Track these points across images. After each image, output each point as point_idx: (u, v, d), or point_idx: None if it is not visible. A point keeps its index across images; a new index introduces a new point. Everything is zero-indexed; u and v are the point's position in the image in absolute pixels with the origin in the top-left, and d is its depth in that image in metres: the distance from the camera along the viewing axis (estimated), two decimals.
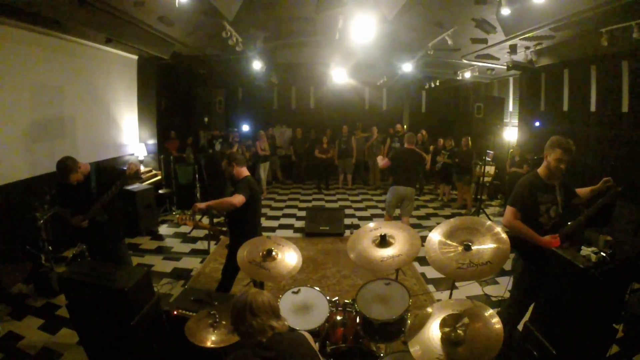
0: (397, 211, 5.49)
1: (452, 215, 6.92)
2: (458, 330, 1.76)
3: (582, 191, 2.84)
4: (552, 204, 2.64)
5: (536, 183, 2.66)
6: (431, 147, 8.99)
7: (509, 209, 2.69)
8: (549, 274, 2.52)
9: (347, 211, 7.27)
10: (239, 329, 1.55)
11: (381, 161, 5.25)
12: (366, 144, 9.75)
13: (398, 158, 5.19)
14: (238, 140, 8.52)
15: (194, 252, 5.36)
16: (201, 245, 5.56)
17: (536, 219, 2.64)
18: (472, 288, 4.14)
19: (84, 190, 3.33)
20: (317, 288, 2.68)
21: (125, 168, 3.31)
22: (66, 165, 3.18)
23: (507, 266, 2.86)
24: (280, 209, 7.79)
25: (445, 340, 1.77)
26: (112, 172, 3.44)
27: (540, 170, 2.71)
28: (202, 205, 2.98)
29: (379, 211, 7.58)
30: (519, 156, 7.02)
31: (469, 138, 7.61)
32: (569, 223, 2.70)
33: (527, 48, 5.97)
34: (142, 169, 7.20)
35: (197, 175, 7.05)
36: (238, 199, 3.02)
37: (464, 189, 7.65)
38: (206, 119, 7.49)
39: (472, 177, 7.61)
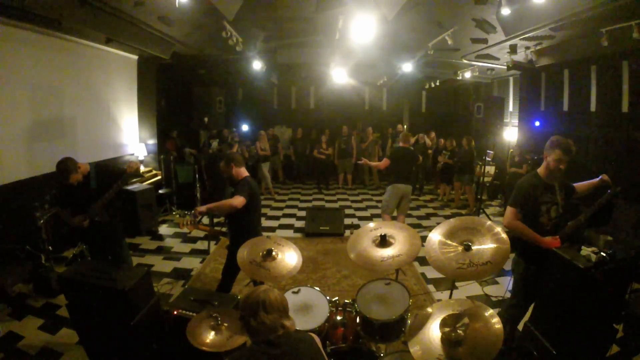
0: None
1: (452, 215, 6.92)
2: (458, 330, 1.76)
3: (580, 186, 2.84)
4: (552, 204, 2.64)
5: (536, 183, 2.65)
6: (430, 145, 9.00)
7: (509, 210, 2.69)
8: (549, 274, 2.52)
9: (347, 211, 7.27)
10: (248, 325, 1.53)
11: (375, 163, 5.43)
12: (362, 145, 9.73)
13: (397, 156, 5.33)
14: (238, 140, 8.52)
15: (194, 252, 5.36)
16: (201, 245, 5.56)
17: (536, 219, 2.63)
18: (472, 288, 4.14)
19: (83, 190, 3.34)
20: (317, 288, 2.68)
21: (125, 168, 3.32)
22: (66, 166, 3.19)
23: (507, 266, 2.85)
24: (280, 209, 7.79)
25: (445, 340, 1.77)
26: (113, 171, 3.45)
27: (540, 170, 2.71)
28: (202, 208, 2.98)
29: (379, 211, 7.53)
30: (519, 156, 7.02)
31: (471, 138, 7.59)
32: (568, 223, 2.70)
33: (527, 48, 5.97)
34: (142, 168, 7.20)
35: (197, 175, 7.05)
36: (238, 201, 3.01)
37: (464, 188, 7.64)
38: (206, 119, 7.48)
39: (473, 176, 7.59)
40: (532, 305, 2.75)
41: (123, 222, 3.79)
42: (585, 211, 2.70)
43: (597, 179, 2.77)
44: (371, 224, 2.87)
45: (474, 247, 2.27)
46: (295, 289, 2.64)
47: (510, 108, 8.86)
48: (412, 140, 8.84)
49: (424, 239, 2.51)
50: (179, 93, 8.85)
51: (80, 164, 3.32)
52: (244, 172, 3.32)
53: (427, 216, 7.30)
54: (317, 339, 1.65)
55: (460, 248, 2.29)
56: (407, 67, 7.17)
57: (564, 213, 2.69)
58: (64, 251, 4.88)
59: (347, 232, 5.94)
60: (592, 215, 2.69)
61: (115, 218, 3.52)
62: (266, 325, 1.50)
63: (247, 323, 1.53)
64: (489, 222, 2.44)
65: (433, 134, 9.32)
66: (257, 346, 1.49)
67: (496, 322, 1.79)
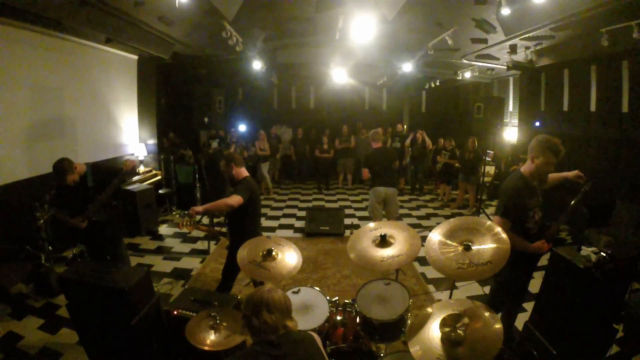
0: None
1: (452, 215, 6.92)
2: (458, 330, 1.76)
3: (553, 176, 2.73)
4: (536, 206, 2.56)
5: (522, 188, 2.53)
6: (432, 147, 8.99)
7: (500, 221, 2.50)
8: (550, 274, 2.52)
9: (347, 211, 7.27)
10: (251, 324, 1.53)
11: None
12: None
13: (371, 160, 5.10)
14: (236, 140, 8.52)
15: (194, 252, 5.36)
16: (201, 245, 5.56)
17: (524, 224, 2.54)
18: (472, 288, 4.13)
19: (80, 190, 3.35)
20: (317, 288, 2.68)
21: (121, 167, 3.33)
22: (62, 166, 3.20)
23: None
24: (280, 209, 7.79)
25: (445, 340, 1.77)
26: (110, 171, 3.46)
27: (526, 171, 2.57)
28: (199, 208, 2.98)
29: None
30: (512, 156, 6.97)
31: (475, 139, 7.51)
32: (549, 224, 2.63)
33: (527, 48, 5.97)
34: (142, 168, 7.21)
35: (197, 175, 7.06)
36: (234, 200, 3.02)
37: (468, 188, 7.58)
38: (206, 119, 7.49)
39: (478, 177, 7.51)
40: (531, 306, 2.74)
41: (122, 221, 3.80)
42: (570, 206, 2.63)
43: (572, 173, 2.69)
44: (371, 224, 2.87)
45: (474, 247, 2.26)
46: (295, 289, 2.64)
47: (510, 108, 8.86)
48: (408, 141, 8.84)
49: (424, 239, 2.51)
50: (179, 93, 8.85)
51: (77, 164, 3.33)
52: (244, 172, 3.33)
53: (427, 216, 7.30)
54: (318, 338, 1.65)
55: (460, 248, 2.29)
56: (407, 67, 7.17)
57: (544, 214, 2.61)
58: (64, 251, 4.88)
59: (347, 232, 5.95)
60: (570, 214, 2.62)
61: (113, 217, 3.52)
62: (268, 324, 1.50)
63: (249, 322, 1.54)
64: (489, 222, 2.43)
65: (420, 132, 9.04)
66: (258, 346, 1.49)
67: (496, 322, 1.80)
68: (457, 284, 3.18)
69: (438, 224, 2.61)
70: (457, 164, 8.05)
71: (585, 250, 2.40)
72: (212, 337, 2.11)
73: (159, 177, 7.29)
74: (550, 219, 2.67)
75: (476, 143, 7.47)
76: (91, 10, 4.32)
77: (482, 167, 7.37)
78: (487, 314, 1.86)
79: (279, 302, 1.55)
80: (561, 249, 2.54)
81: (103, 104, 6.34)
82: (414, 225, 6.44)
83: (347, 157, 9.55)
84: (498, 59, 6.83)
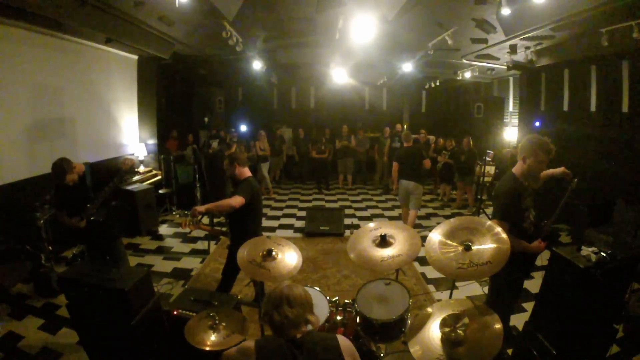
0: None
1: (452, 215, 6.92)
2: (458, 330, 1.76)
3: (542, 174, 2.70)
4: (531, 206, 2.56)
5: (517, 189, 2.51)
6: (432, 147, 9.00)
7: (500, 224, 2.40)
8: (550, 274, 2.52)
9: (347, 211, 7.27)
10: (272, 320, 1.52)
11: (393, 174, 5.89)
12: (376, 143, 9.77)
13: (401, 155, 5.73)
14: (237, 140, 8.53)
15: (194, 252, 5.36)
16: (201, 245, 5.56)
17: (521, 225, 2.53)
18: (472, 288, 4.13)
19: (79, 190, 3.35)
20: (317, 288, 2.68)
21: (120, 166, 3.33)
22: (61, 166, 3.21)
23: None
24: (280, 209, 7.79)
25: (446, 340, 1.77)
26: (109, 171, 3.47)
27: (517, 172, 2.55)
28: (201, 208, 2.98)
29: (379, 211, 7.58)
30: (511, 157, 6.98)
31: (470, 138, 7.59)
32: (543, 223, 2.63)
33: (527, 48, 5.97)
34: (142, 168, 7.21)
35: (197, 175, 7.06)
36: (237, 201, 3.02)
37: (466, 188, 7.62)
38: (206, 119, 7.50)
39: (474, 177, 7.57)
40: (531, 306, 2.74)
41: (121, 221, 3.79)
42: (556, 209, 2.62)
43: (558, 170, 2.68)
44: (371, 224, 2.87)
45: (474, 247, 2.26)
46: None
47: (510, 108, 8.86)
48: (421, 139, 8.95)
49: (424, 239, 2.50)
50: (179, 93, 8.85)
51: (75, 163, 3.34)
52: (246, 172, 3.33)
53: (427, 216, 7.30)
54: (344, 342, 1.58)
55: (460, 248, 2.29)
56: (407, 67, 7.17)
57: (536, 213, 2.60)
58: (64, 251, 4.88)
59: (347, 232, 5.95)
60: (560, 213, 2.61)
61: (111, 217, 3.52)
62: (290, 319, 1.50)
63: (271, 318, 1.53)
64: (489, 222, 2.43)
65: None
66: (283, 341, 1.49)
67: (496, 322, 1.80)
68: (457, 284, 3.18)
69: (438, 224, 2.61)
70: (451, 162, 8.08)
71: (585, 250, 2.40)
72: (211, 337, 2.11)
73: (159, 177, 7.29)
74: (544, 218, 2.67)
75: (471, 143, 7.52)
76: (91, 10, 4.32)
77: (482, 167, 7.38)
78: (487, 314, 1.86)
79: (299, 297, 1.55)
80: (561, 249, 2.53)
81: (103, 104, 6.34)
82: (414, 225, 6.43)
83: (347, 157, 9.54)
84: (498, 59, 6.83)
